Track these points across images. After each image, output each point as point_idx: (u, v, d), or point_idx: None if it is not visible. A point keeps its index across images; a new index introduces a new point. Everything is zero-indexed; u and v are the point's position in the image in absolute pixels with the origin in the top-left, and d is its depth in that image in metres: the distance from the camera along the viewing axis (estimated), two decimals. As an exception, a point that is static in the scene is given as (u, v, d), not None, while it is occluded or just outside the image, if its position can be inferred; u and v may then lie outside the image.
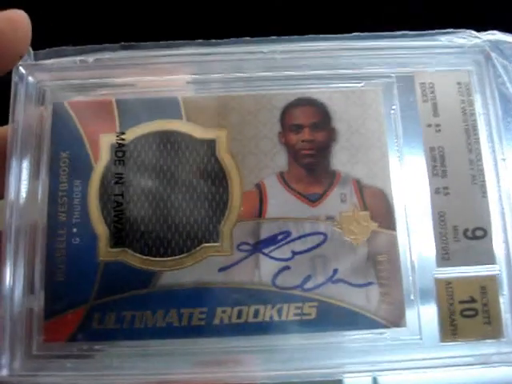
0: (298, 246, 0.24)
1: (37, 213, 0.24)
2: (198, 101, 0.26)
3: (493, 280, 0.24)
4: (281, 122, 0.25)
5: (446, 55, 0.26)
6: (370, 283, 0.24)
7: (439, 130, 0.25)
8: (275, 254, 0.24)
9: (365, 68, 0.26)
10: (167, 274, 0.24)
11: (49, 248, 0.24)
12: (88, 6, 0.39)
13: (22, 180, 0.24)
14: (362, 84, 0.26)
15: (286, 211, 0.25)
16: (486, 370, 0.23)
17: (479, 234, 0.24)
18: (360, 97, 0.26)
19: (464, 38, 0.26)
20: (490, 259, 0.24)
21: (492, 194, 0.25)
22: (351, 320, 0.24)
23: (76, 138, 0.25)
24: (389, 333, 0.24)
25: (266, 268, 0.24)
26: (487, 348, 0.24)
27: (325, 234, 0.24)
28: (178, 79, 0.26)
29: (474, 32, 0.26)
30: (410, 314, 0.24)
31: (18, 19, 0.23)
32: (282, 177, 0.25)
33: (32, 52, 0.25)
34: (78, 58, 0.25)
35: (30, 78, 0.25)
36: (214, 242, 0.24)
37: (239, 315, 0.24)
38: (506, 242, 0.24)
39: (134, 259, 0.24)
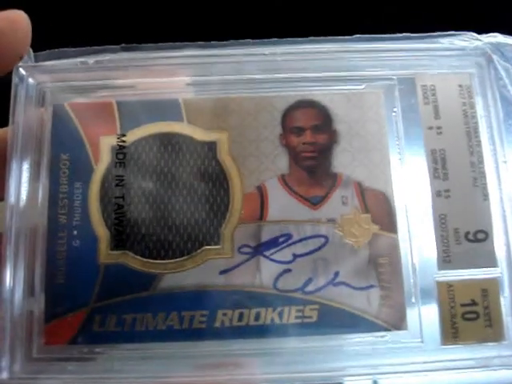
0: (299, 248, 0.24)
1: (37, 215, 0.24)
2: (199, 103, 0.26)
3: (494, 283, 0.24)
4: (282, 124, 0.25)
5: (448, 57, 0.26)
6: (371, 286, 0.24)
7: (440, 133, 0.25)
8: (276, 256, 0.24)
9: (366, 70, 0.26)
10: (168, 277, 0.24)
11: (49, 250, 0.24)
12: (88, 7, 0.39)
13: (22, 182, 0.24)
14: (363, 86, 0.26)
15: (287, 214, 0.25)
16: (487, 373, 0.23)
17: (481, 236, 0.24)
18: (361, 99, 0.26)
19: (465, 40, 0.26)
20: (492, 262, 0.24)
21: (493, 196, 0.25)
22: (352, 323, 0.24)
23: (76, 140, 0.25)
24: (390, 336, 0.24)
25: (267, 271, 0.24)
26: (488, 351, 0.24)
27: (326, 237, 0.24)
28: (178, 81, 0.26)
29: (475, 34, 0.26)
30: (411, 317, 0.24)
31: (18, 19, 0.23)
32: (283, 179, 0.25)
33: (32, 53, 0.25)
34: (78, 60, 0.25)
35: (30, 80, 0.25)
36: (215, 244, 0.24)
37: (240, 318, 0.24)
38: (508, 244, 0.24)
39: (134, 262, 0.24)
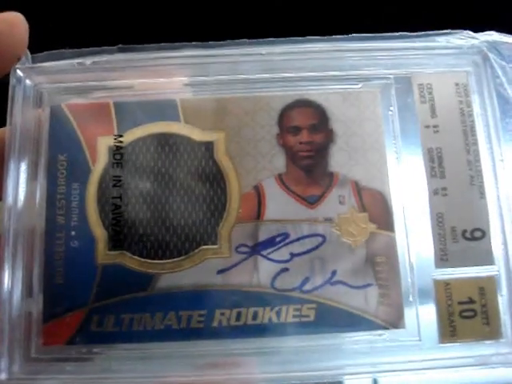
0: (297, 247, 0.24)
1: (35, 216, 0.24)
2: (196, 103, 0.26)
3: (491, 281, 0.24)
4: (279, 123, 0.25)
5: (444, 56, 0.26)
6: (368, 285, 0.24)
7: (437, 131, 0.25)
8: (274, 255, 0.24)
9: (362, 69, 0.26)
10: (166, 277, 0.24)
11: (47, 251, 0.24)
12: (85, 8, 0.39)
13: (19, 183, 0.24)
14: (359, 85, 0.26)
15: (285, 213, 0.25)
16: (485, 371, 0.23)
17: (477, 234, 0.24)
18: (358, 98, 0.26)
19: (462, 38, 0.26)
20: (489, 260, 0.24)
21: (490, 194, 0.25)
22: (350, 321, 0.24)
23: (74, 141, 0.25)
24: (388, 334, 0.24)
25: (264, 270, 0.24)
26: (486, 349, 0.24)
27: (323, 236, 0.24)
28: (175, 81, 0.26)
29: (471, 33, 0.26)
30: (409, 316, 0.24)
31: (15, 21, 0.23)
32: (280, 179, 0.25)
33: (29, 55, 0.25)
34: (75, 61, 0.25)
35: (28, 81, 0.25)
36: (213, 244, 0.24)
37: (238, 317, 0.24)
38: (505, 242, 0.24)
39: (132, 262, 0.24)
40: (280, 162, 0.25)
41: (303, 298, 0.24)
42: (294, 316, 0.24)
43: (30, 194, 0.24)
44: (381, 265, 0.24)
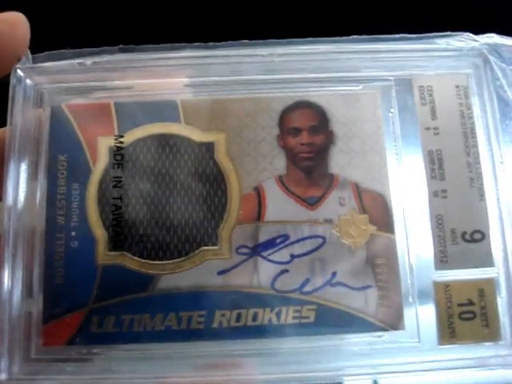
0: (297, 249, 0.24)
1: (35, 216, 0.24)
2: (197, 104, 0.26)
3: (491, 283, 0.24)
4: (279, 125, 0.25)
5: (445, 58, 0.26)
6: (368, 286, 0.24)
7: (437, 133, 0.25)
8: (274, 257, 0.24)
9: (363, 71, 0.26)
10: (166, 278, 0.24)
11: (47, 251, 0.24)
12: (86, 9, 0.39)
13: (20, 183, 0.24)
14: (360, 87, 0.26)
15: (285, 214, 0.25)
16: (484, 373, 0.23)
17: (477, 236, 0.24)
18: (358, 100, 0.26)
19: (462, 41, 0.26)
20: (488, 262, 0.24)
21: (490, 196, 0.25)
22: (350, 323, 0.24)
23: (74, 141, 0.25)
24: (387, 336, 0.24)
25: (264, 271, 0.24)
26: (485, 351, 0.24)
27: (323, 238, 0.24)
28: (176, 82, 0.26)
29: (471, 35, 0.26)
30: (409, 317, 0.24)
31: (16, 21, 0.23)
32: (280, 180, 0.25)
33: (30, 55, 0.25)
34: (76, 61, 0.25)
35: (28, 81, 0.25)
36: (213, 245, 0.24)
37: (238, 318, 0.24)
38: (504, 244, 0.24)
39: (132, 263, 0.24)
40: (280, 163, 0.25)
41: (303, 300, 0.24)
42: (294, 317, 0.24)
43: (30, 194, 0.24)
44: (381, 266, 0.24)
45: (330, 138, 0.25)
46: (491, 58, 0.26)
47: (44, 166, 0.25)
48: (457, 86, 0.26)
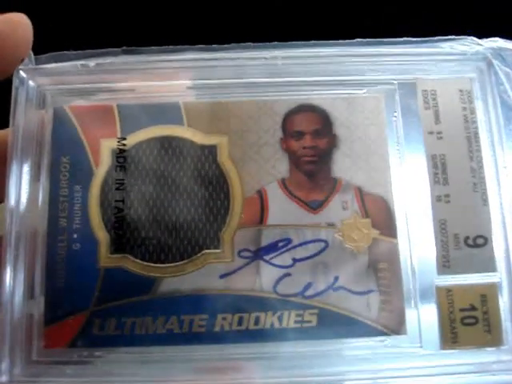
0: (299, 253, 0.24)
1: (37, 218, 0.24)
2: (200, 106, 0.26)
3: (493, 288, 0.24)
4: (282, 128, 0.25)
5: (448, 62, 0.26)
6: (370, 291, 0.24)
7: (441, 138, 0.25)
8: (276, 261, 0.24)
9: (367, 74, 0.26)
10: (168, 281, 0.24)
11: (49, 253, 0.24)
12: (90, 10, 0.39)
13: (22, 185, 0.24)
14: (363, 91, 0.26)
15: (287, 218, 0.25)
16: (486, 378, 0.23)
17: (480, 241, 0.24)
18: (362, 103, 0.26)
19: (466, 44, 0.26)
20: (491, 267, 0.24)
21: (493, 202, 0.25)
22: (352, 327, 0.24)
23: (77, 143, 0.25)
24: (389, 340, 0.24)
25: (266, 275, 0.24)
26: (487, 356, 0.24)
27: (326, 242, 0.24)
28: (179, 84, 0.26)
29: (475, 39, 0.26)
30: (411, 322, 0.24)
31: (19, 22, 0.23)
32: (283, 183, 0.25)
33: (33, 56, 0.25)
34: (79, 63, 0.25)
35: (31, 82, 0.25)
36: (215, 248, 0.24)
37: (240, 322, 0.24)
38: (507, 250, 0.24)
39: (134, 265, 0.24)
40: (283, 166, 0.25)
41: (305, 304, 0.24)
42: (296, 321, 0.24)
43: (32, 195, 0.24)
44: (383, 271, 0.24)
45: (333, 141, 0.25)
46: (495, 62, 0.26)
47: (46, 167, 0.25)
48: (460, 91, 0.26)
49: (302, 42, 0.26)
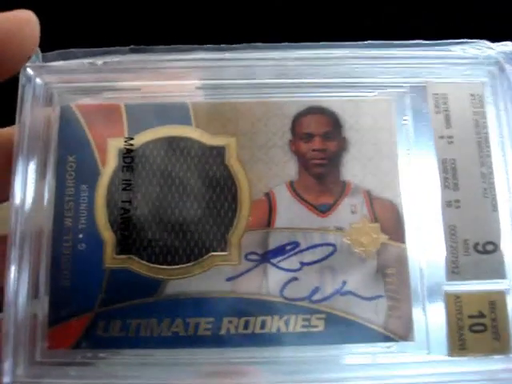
0: (307, 256, 0.24)
1: (42, 217, 0.24)
2: (208, 107, 0.25)
3: (502, 295, 0.24)
4: (291, 130, 0.25)
5: (460, 66, 0.26)
6: (378, 296, 0.24)
7: (451, 142, 0.25)
8: (283, 264, 0.24)
9: (377, 77, 0.26)
10: (174, 283, 0.24)
11: (54, 253, 0.24)
12: (98, 8, 0.38)
13: (27, 183, 0.24)
14: (374, 93, 0.26)
15: (295, 221, 0.24)
16: (493, 387, 0.23)
17: (490, 248, 0.24)
18: (372, 106, 0.25)
19: (477, 48, 0.26)
20: (500, 274, 0.24)
21: (503, 208, 0.24)
22: (359, 333, 0.24)
23: (83, 142, 0.25)
24: (396, 347, 0.24)
25: (273, 278, 0.24)
26: (495, 364, 0.23)
27: (334, 246, 0.24)
28: (187, 84, 0.26)
29: (487, 42, 0.26)
30: (418, 328, 0.24)
31: (26, 19, 0.23)
32: (291, 186, 0.25)
33: (40, 53, 0.25)
34: (86, 61, 0.25)
35: (38, 80, 0.25)
36: (222, 251, 0.24)
37: (246, 326, 0.23)
38: (517, 256, 0.24)
39: (140, 267, 0.24)
40: (292, 169, 0.25)
41: (312, 308, 0.24)
42: (303, 326, 0.23)
43: (37, 194, 0.24)
44: (391, 276, 0.24)
45: (342, 144, 0.25)
46: (507, 66, 0.25)
47: (52, 166, 0.24)
48: (472, 95, 0.25)
49: (313, 43, 0.25)
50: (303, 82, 0.26)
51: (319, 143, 0.25)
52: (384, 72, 0.26)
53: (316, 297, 0.24)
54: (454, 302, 0.24)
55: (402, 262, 0.24)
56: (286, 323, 0.24)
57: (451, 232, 0.24)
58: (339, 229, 0.24)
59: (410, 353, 0.24)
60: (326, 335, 0.23)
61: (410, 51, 0.26)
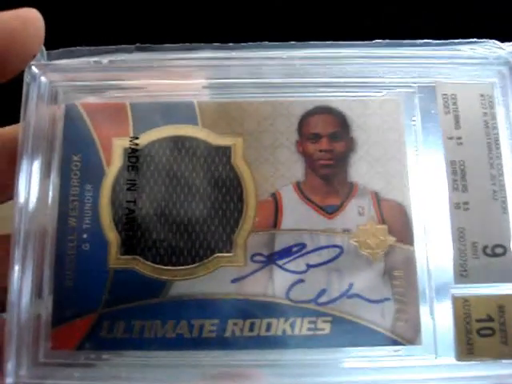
0: (313, 258, 0.24)
1: (46, 217, 0.24)
2: (214, 106, 0.25)
3: (511, 299, 0.23)
4: (298, 130, 0.25)
5: (469, 66, 0.25)
6: (385, 299, 0.23)
7: (461, 143, 0.24)
8: (289, 266, 0.24)
9: (386, 77, 0.25)
10: (179, 284, 0.23)
11: (58, 253, 0.23)
12: (103, 6, 0.38)
13: (32, 182, 0.24)
14: (382, 93, 0.25)
15: (302, 222, 0.24)
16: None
17: (499, 251, 0.24)
18: (380, 106, 0.25)
19: (487, 48, 0.25)
20: (509, 277, 0.24)
21: (513, 210, 0.24)
22: (365, 336, 0.23)
23: (88, 141, 0.24)
24: (403, 350, 0.23)
25: (279, 280, 0.24)
26: (504, 368, 0.23)
27: (341, 247, 0.24)
28: (193, 83, 0.25)
29: (497, 42, 0.26)
30: (426, 332, 0.23)
31: (31, 18, 0.23)
32: (298, 187, 0.24)
33: (45, 51, 0.24)
34: (92, 59, 0.25)
35: (43, 78, 0.25)
36: (227, 252, 0.24)
37: (251, 328, 0.23)
38: (526, 260, 0.24)
39: (145, 267, 0.24)
40: (299, 169, 0.24)
41: (318, 311, 0.23)
42: (309, 329, 0.23)
43: (42, 194, 0.24)
44: (399, 279, 0.24)
45: (350, 145, 0.25)
46: (517, 67, 0.25)
47: (57, 165, 0.24)
48: (481, 95, 0.25)
49: (320, 43, 0.25)
50: (310, 82, 0.25)
51: (326, 144, 0.25)
52: (392, 72, 0.25)
53: (322, 299, 0.23)
54: (462, 306, 0.23)
55: (409, 264, 0.24)
56: (292, 326, 0.23)
57: (460, 234, 0.24)
58: (346, 230, 0.24)
59: (417, 356, 0.23)
60: (332, 338, 0.23)
61: (419, 51, 0.25)
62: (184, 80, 0.25)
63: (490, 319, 0.23)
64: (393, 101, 0.25)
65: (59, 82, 0.25)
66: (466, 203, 0.24)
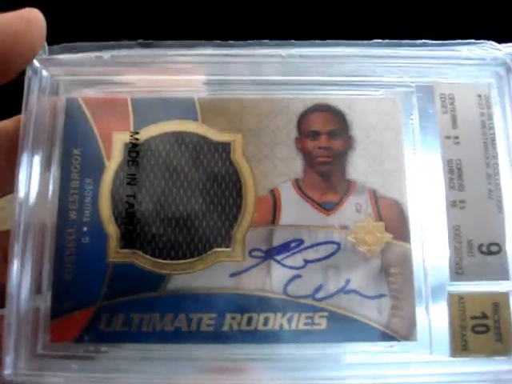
0: (311, 254, 0.24)
1: (46, 210, 0.24)
2: (215, 102, 0.25)
3: (506, 297, 0.24)
4: (298, 127, 0.25)
5: (467, 66, 0.26)
6: (381, 295, 0.24)
7: (458, 143, 0.25)
8: (287, 261, 0.24)
9: (384, 76, 0.26)
10: (177, 278, 0.24)
11: (57, 246, 0.24)
12: (106, 2, 0.38)
13: (32, 175, 0.24)
14: (380, 92, 0.26)
15: (300, 219, 0.24)
16: (495, 388, 0.23)
17: (494, 249, 0.24)
18: (378, 105, 0.25)
19: (485, 49, 0.26)
20: (504, 275, 0.24)
21: (508, 209, 0.24)
22: (361, 331, 0.23)
23: (89, 135, 0.25)
24: (398, 346, 0.24)
25: (277, 276, 0.24)
26: (497, 365, 0.23)
27: (338, 244, 0.24)
28: (194, 80, 0.26)
29: (494, 44, 0.26)
30: (421, 328, 0.24)
31: (34, 18, 0.23)
32: (297, 184, 0.25)
33: (47, 46, 0.24)
34: (93, 54, 0.25)
35: (44, 72, 0.25)
36: (226, 247, 0.24)
37: (249, 322, 0.23)
38: (521, 258, 0.24)
39: (144, 261, 0.24)
40: (297, 166, 0.25)
41: (315, 306, 0.24)
42: (306, 324, 0.23)
43: (42, 187, 0.24)
44: (395, 275, 0.24)
45: (348, 143, 0.25)
46: (514, 67, 0.25)
47: (57, 159, 0.24)
48: (479, 96, 0.25)
49: (320, 41, 0.25)
50: (310, 80, 0.26)
51: (325, 141, 0.25)
52: (391, 71, 0.26)
53: (319, 295, 0.24)
54: (458, 303, 0.24)
55: (405, 261, 0.24)
56: (289, 321, 0.23)
57: (456, 232, 0.24)
58: (344, 227, 0.24)
59: (412, 352, 0.24)
60: (329, 333, 0.23)
61: (418, 51, 0.26)
62: (185, 76, 0.25)
63: (485, 316, 0.24)
64: (391, 100, 0.25)
65: (60, 76, 0.25)
66: (462, 202, 0.24)
